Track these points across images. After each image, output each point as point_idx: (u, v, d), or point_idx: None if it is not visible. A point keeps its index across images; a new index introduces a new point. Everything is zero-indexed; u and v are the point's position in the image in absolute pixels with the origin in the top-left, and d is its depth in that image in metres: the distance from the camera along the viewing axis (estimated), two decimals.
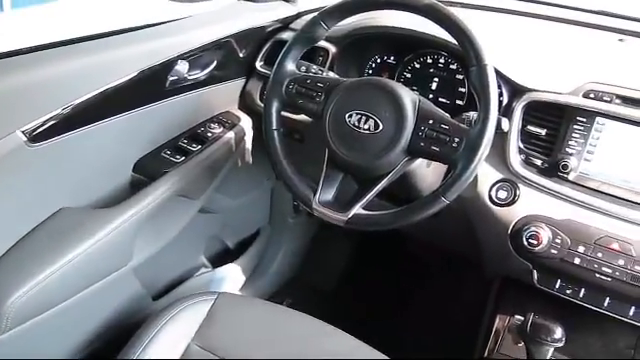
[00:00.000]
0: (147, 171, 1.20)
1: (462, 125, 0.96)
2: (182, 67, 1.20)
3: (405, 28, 1.25)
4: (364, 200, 1.00)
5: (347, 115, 1.00)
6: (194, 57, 1.22)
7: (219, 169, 1.33)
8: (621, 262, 1.04)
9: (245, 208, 1.63)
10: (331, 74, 1.26)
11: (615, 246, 1.05)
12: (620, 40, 1.32)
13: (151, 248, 1.22)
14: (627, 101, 1.06)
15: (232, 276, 1.63)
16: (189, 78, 1.23)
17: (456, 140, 0.94)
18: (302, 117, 1.23)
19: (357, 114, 0.99)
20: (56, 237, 1.00)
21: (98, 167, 1.12)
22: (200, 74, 1.26)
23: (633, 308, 1.09)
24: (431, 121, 0.97)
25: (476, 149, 0.92)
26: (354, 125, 0.99)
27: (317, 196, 1.03)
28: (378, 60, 1.38)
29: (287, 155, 1.08)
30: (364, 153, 0.99)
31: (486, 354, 1.19)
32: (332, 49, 1.32)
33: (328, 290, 1.90)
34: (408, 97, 0.99)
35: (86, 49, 1.05)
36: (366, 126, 0.99)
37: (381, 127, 0.98)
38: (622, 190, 1.08)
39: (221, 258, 1.63)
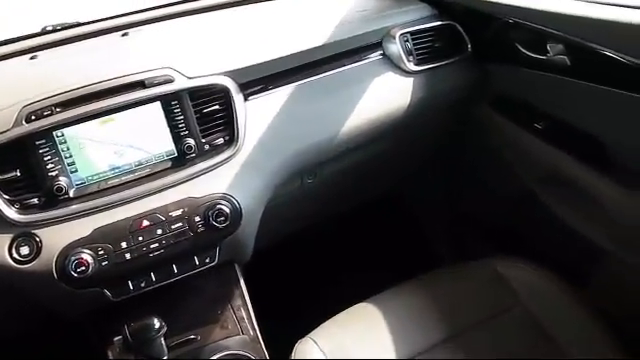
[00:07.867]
0: None
1: None
2: None
3: None
4: None
5: None
6: None
7: None
8: (159, 231, 1.11)
9: None
10: None
11: (146, 222, 1.10)
12: (124, 35, 1.33)
13: None
14: (64, 105, 1.06)
15: None
16: None
17: None
18: None
19: None
20: None
21: None
22: None
23: (195, 257, 1.17)
24: None
25: None
26: None
27: None
28: None
29: None
30: None
31: None
32: None
33: None
34: None
35: None
36: None
37: None
38: (118, 178, 1.12)
39: None
